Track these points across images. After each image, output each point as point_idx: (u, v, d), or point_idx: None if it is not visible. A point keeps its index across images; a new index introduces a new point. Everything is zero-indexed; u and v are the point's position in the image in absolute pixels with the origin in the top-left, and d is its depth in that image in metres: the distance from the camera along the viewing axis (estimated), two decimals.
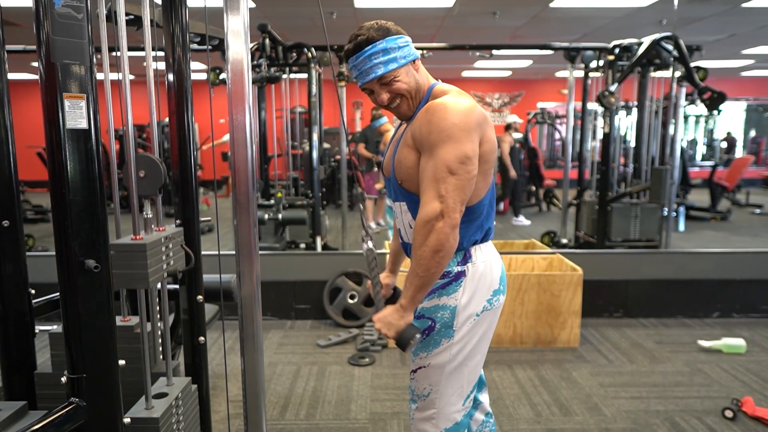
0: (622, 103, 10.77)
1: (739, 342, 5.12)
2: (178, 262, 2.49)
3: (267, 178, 8.55)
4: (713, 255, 6.35)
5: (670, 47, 7.13)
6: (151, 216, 2.34)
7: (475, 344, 2.43)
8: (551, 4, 9.00)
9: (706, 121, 19.66)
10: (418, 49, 7.53)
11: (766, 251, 6.18)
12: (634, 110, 9.24)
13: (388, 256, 2.90)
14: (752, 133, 20.51)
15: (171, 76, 2.65)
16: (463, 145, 2.17)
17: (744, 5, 8.96)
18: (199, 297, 2.81)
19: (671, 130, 8.10)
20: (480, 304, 2.39)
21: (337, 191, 11.69)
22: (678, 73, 7.37)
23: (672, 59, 7.28)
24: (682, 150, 11.58)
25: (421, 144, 2.24)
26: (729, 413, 3.98)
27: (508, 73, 18.02)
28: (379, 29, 2.29)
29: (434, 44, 8.27)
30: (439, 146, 2.18)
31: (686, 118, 17.54)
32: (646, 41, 7.10)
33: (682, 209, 10.59)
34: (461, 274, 2.38)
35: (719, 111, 7.56)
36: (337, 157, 11.89)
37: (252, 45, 6.90)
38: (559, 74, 17.79)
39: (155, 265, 2.21)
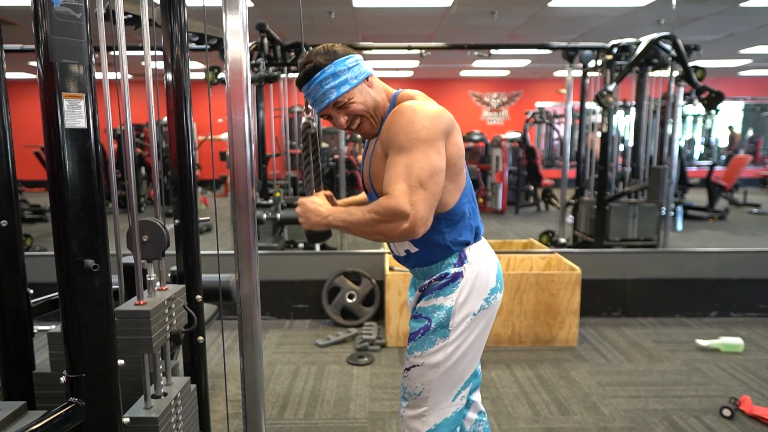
0: (620, 103, 10.79)
1: (736, 341, 5.12)
2: (181, 320, 2.50)
3: (265, 177, 8.53)
4: (711, 254, 6.35)
5: (668, 47, 7.14)
6: (154, 278, 2.35)
7: (470, 343, 2.43)
8: (549, 4, 9.00)
9: (704, 121, 19.67)
10: (416, 48, 7.58)
11: (764, 250, 6.19)
12: (632, 110, 9.25)
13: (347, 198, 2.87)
14: (750, 133, 20.52)
15: (169, 76, 2.65)
16: (432, 154, 2.18)
17: (742, 5, 8.97)
18: (198, 297, 2.81)
19: (669, 129, 8.12)
20: (477, 303, 2.40)
21: (335, 191, 11.67)
22: (676, 73, 7.39)
23: (670, 59, 7.29)
24: (680, 149, 11.59)
25: (389, 145, 2.25)
26: (727, 412, 3.98)
27: (506, 73, 18.02)
28: (326, 53, 2.29)
29: (432, 44, 8.26)
30: (408, 149, 2.18)
31: (684, 117, 17.56)
32: (644, 41, 7.11)
33: (680, 209, 10.59)
34: (459, 275, 2.39)
35: (717, 110, 7.57)
36: (336, 156, 11.89)
37: (250, 44, 6.90)
38: (558, 74, 17.80)
39: (158, 330, 2.23)
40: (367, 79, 2.35)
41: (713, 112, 9.48)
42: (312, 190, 2.53)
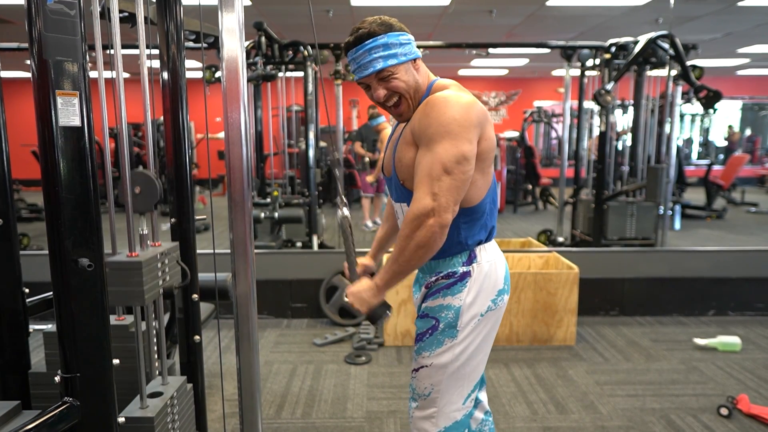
0: (618, 102, 10.78)
1: (734, 340, 5.12)
2: (174, 277, 2.48)
3: (263, 176, 8.53)
4: (709, 253, 6.36)
5: (666, 46, 7.14)
6: (146, 232, 2.34)
7: (478, 344, 2.42)
8: (547, 3, 9.01)
9: (702, 120, 19.68)
10: (418, 48, 7.56)
11: (762, 249, 6.19)
12: (630, 109, 9.24)
13: (373, 243, 2.89)
14: (747, 132, 20.53)
15: (165, 74, 2.63)
16: (461, 143, 2.14)
17: (739, 4, 8.97)
18: (195, 296, 2.80)
19: (667, 128, 8.11)
20: (485, 304, 2.38)
21: (333, 190, 11.66)
22: (674, 72, 7.38)
23: (668, 58, 7.28)
24: (678, 149, 11.61)
25: (419, 137, 2.22)
26: (724, 411, 3.98)
27: (504, 72, 18.02)
28: (382, 24, 2.26)
29: (431, 42, 8.26)
30: (436, 141, 2.15)
31: (682, 116, 17.54)
32: (643, 40, 7.11)
33: (678, 208, 10.59)
34: (467, 275, 2.37)
35: (715, 109, 7.57)
36: (335, 155, 11.90)
37: (248, 43, 6.89)
38: (556, 73, 17.81)
39: (151, 282, 2.22)
40: (414, 60, 2.33)
41: (711, 111, 9.48)
42: (356, 279, 2.51)
